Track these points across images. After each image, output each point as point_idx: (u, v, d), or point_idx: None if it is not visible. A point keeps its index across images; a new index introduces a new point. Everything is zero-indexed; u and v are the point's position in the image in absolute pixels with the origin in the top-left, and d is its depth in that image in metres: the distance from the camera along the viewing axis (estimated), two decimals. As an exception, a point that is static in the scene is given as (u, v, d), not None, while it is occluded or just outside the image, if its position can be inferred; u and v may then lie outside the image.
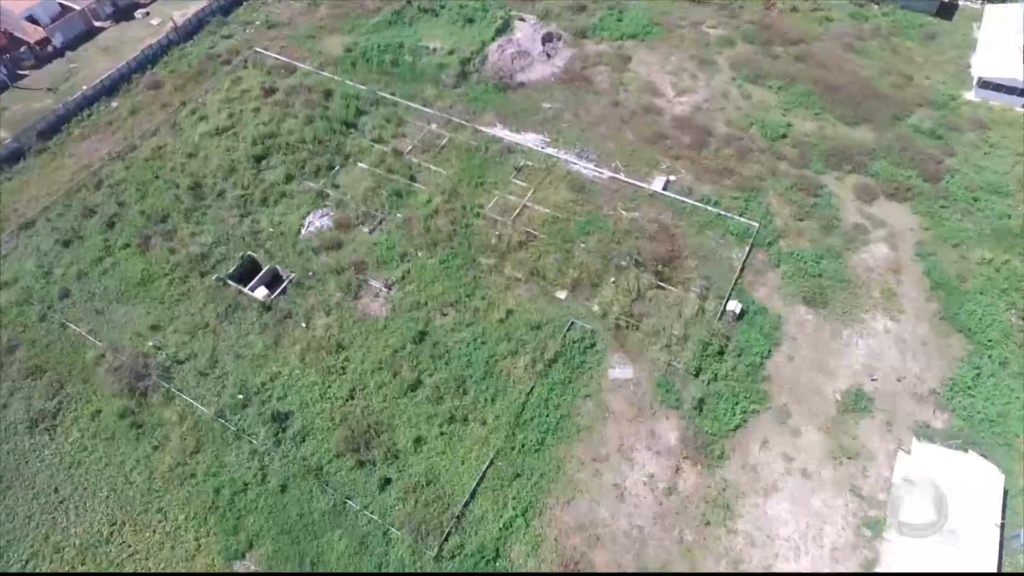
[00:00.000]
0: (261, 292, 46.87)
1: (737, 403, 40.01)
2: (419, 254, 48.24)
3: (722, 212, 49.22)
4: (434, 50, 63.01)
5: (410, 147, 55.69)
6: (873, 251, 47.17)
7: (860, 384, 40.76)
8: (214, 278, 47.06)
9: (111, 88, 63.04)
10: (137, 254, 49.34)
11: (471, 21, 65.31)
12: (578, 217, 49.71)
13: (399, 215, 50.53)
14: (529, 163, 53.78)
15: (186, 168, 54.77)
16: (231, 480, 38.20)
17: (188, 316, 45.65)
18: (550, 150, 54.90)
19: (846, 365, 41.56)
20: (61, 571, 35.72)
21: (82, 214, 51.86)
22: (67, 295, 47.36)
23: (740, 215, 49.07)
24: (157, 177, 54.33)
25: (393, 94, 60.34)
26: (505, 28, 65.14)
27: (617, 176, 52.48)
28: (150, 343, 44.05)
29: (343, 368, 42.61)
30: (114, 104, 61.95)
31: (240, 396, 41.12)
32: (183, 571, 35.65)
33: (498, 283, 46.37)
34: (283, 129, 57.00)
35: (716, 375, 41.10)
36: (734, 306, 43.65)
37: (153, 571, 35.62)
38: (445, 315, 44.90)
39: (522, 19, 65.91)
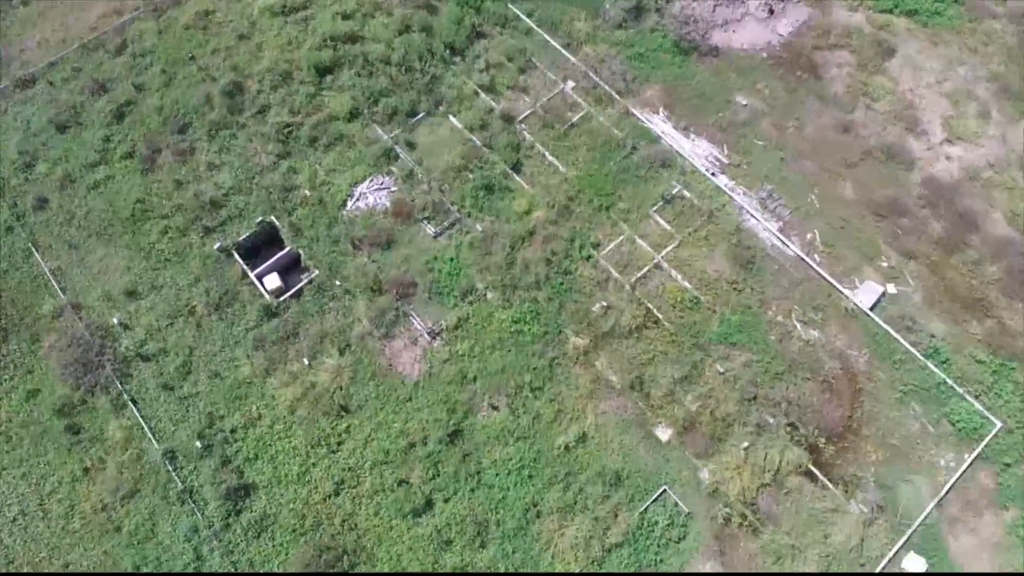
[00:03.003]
0: (272, 281, 34.65)
1: None
2: (489, 296, 34.03)
3: (950, 381, 31.70)
4: (609, -41, 42.84)
5: (527, 112, 38.75)
6: None
7: None
8: (216, 247, 34.90)
9: None
10: (138, 172, 37.23)
11: (676, -76, 43.57)
12: (728, 310, 33.43)
13: (479, 225, 35.56)
14: (687, 195, 36.33)
15: (231, 56, 40.27)
16: (154, 562, 29.09)
17: (173, 289, 34.33)
18: (723, 180, 36.91)
19: None
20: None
21: (91, 88, 39.28)
22: (44, 206, 36.59)
23: (977, 396, 31.54)
24: (193, 59, 40.37)
25: (530, 14, 41.94)
26: (723, -53, 43.31)
27: (808, 258, 34.76)
28: (115, 319, 33.49)
29: (339, 444, 31.08)
30: (173, -77, 46.38)
31: (199, 443, 30.77)
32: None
33: (582, 382, 32.18)
34: (367, 31, 40.68)
35: (847, 662, 27.37)
36: (914, 562, 28.38)
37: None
38: (495, 409, 31.76)
39: (753, -62, 43.53)
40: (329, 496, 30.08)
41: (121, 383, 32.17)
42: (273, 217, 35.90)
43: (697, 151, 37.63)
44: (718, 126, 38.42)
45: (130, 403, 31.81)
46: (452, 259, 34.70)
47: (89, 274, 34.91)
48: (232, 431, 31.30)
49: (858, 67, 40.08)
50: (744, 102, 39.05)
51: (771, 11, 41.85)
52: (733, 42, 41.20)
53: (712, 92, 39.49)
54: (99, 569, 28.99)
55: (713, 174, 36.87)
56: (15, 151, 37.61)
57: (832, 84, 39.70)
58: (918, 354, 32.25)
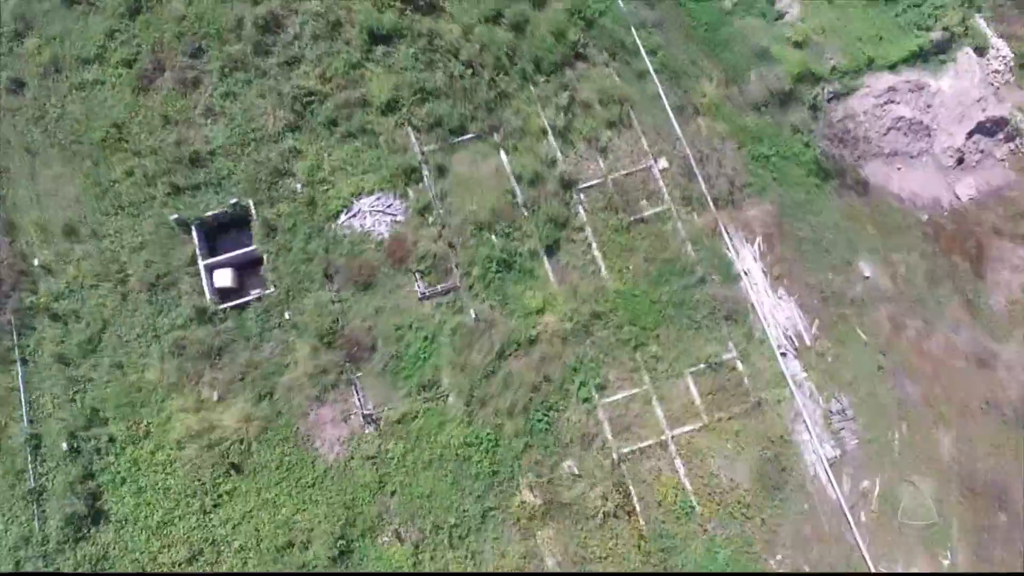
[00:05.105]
0: (222, 278, 29.00)
1: None
2: (450, 400, 27.54)
3: None
4: (782, 16, 32.27)
5: (594, 182, 30.41)
6: None
7: None
8: (173, 218, 29.15)
9: None
10: (130, 88, 31.14)
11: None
12: (722, 539, 26.06)
13: (476, 308, 28.49)
14: (739, 367, 28.08)
15: (283, -20, 33.00)
16: (-25, 560, 25.75)
17: (114, 244, 29.10)
18: (793, 367, 28.30)
19: None
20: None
21: (119, -34, 33.03)
22: (19, 90, 31.28)
23: None
24: (239, -31, 33.21)
25: (654, 52, 32.33)
26: (940, 51, 31.85)
27: (850, 514, 26.56)
28: (38, 261, 28.68)
29: (215, 505, 26.27)
30: None
31: (65, 447, 26.44)
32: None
33: (512, 550, 25.84)
34: (451, 2, 32.37)
35: None
36: None
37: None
38: (399, 540, 26.05)
39: (978, 51, 31.76)
40: (180, 563, 25.61)
41: (18, 335, 27.83)
42: (251, 202, 29.69)
43: (778, 315, 28.91)
44: (820, 292, 29.34)
45: (18, 363, 27.57)
46: (427, 338, 28.08)
47: (35, 191, 29.95)
48: (110, 440, 26.77)
49: (1040, 280, 29.77)
50: (868, 273, 29.59)
51: (960, 161, 31.17)
52: (892, 183, 31.07)
53: (833, 243, 30.05)
54: (-76, 535, 25.89)
55: (784, 354, 28.33)
56: (10, 13, 32.02)
57: (993, 292, 29.62)
58: None
